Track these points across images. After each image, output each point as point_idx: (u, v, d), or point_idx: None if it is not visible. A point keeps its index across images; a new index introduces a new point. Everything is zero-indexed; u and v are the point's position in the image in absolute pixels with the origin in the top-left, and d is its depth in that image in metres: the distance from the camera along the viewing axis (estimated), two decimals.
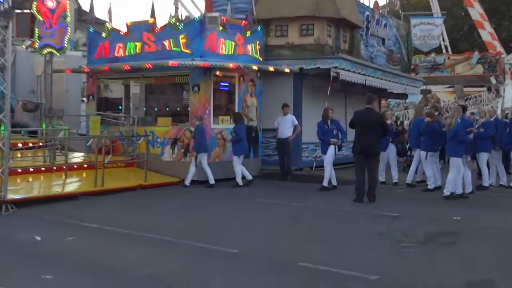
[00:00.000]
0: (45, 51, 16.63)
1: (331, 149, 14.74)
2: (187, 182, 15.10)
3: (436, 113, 15.77)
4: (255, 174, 17.40)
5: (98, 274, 7.58)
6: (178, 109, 17.99)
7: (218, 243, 9.03)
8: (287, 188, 15.50)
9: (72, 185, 13.99)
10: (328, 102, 17.94)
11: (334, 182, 15.09)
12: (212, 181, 15.19)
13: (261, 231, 10.24)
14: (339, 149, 15.08)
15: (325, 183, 14.84)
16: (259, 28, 18.22)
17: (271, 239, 9.58)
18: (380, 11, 24.75)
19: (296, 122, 16.97)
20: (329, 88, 18.15)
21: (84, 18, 25.69)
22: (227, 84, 17.17)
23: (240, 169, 15.45)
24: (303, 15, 18.80)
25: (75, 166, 14.74)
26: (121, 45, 17.55)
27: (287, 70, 18.08)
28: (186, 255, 8.55)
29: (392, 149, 16.12)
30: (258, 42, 18.03)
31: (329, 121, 14.92)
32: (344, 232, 10.16)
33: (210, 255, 8.48)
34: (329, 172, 14.87)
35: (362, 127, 13.02)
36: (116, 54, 17.64)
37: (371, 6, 23.46)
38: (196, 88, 16.12)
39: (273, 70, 17.78)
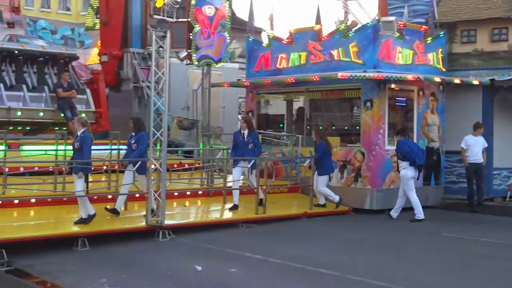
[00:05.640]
0: (203, 63, 17.38)
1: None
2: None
3: None
4: (436, 204, 17.17)
5: None
6: (346, 127, 18.11)
7: (396, 282, 9.05)
8: (475, 221, 15.11)
9: (230, 212, 14.49)
10: None
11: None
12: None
13: (448, 271, 10.07)
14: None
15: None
16: (441, 33, 17.98)
17: (460, 281, 9.41)
18: None
19: (486, 145, 16.56)
20: None
21: (239, 27, 26.75)
22: (404, 99, 17.09)
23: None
24: (495, 17, 18.34)
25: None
26: (283, 56, 18.02)
27: (475, 82, 17.66)
28: None
29: None
30: (440, 50, 17.79)
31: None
32: None
33: None
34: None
35: None
36: (278, 66, 18.13)
37: None
38: (368, 104, 16.17)
39: (458, 82, 17.45)
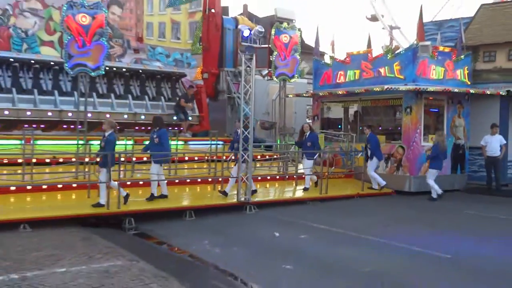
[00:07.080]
0: (280, 79, 17.50)
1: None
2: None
3: None
4: (461, 188, 16.81)
5: (329, 267, 7.90)
6: (390, 128, 17.86)
7: (430, 248, 8.96)
8: (493, 202, 14.71)
9: (301, 191, 14.54)
10: None
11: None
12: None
13: (470, 241, 9.89)
14: None
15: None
16: (467, 54, 17.53)
17: (480, 249, 9.24)
18: None
19: (504, 142, 16.17)
20: None
21: (306, 51, 26.70)
22: (436, 106, 16.75)
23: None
24: (511, 40, 17.69)
25: (304, 176, 15.20)
26: (342, 73, 17.93)
27: (494, 92, 17.16)
28: (404, 256, 8.59)
29: None
30: (466, 67, 17.35)
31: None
32: None
33: (425, 258, 8.44)
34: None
35: None
36: (337, 81, 18.05)
37: None
38: (408, 110, 15.95)
39: (481, 93, 16.99)
